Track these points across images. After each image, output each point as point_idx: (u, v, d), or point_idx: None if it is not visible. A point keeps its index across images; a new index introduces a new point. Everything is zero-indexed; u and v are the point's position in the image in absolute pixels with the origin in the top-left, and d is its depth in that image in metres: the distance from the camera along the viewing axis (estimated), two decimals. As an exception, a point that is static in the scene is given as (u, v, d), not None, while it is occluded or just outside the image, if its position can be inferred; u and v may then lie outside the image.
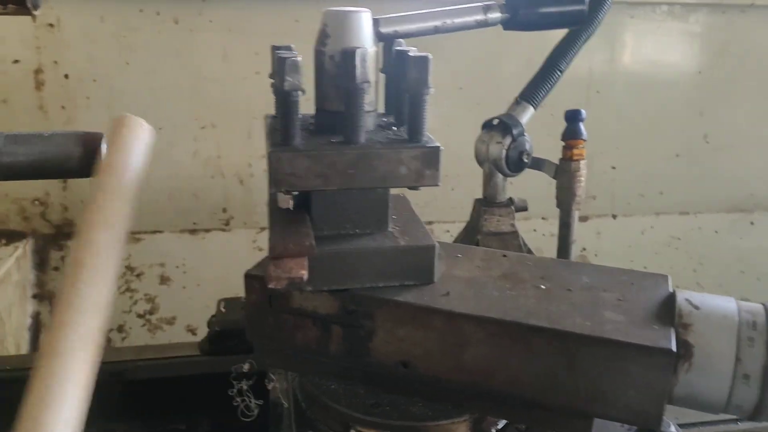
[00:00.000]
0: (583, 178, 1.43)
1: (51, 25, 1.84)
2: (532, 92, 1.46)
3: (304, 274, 0.69)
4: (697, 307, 0.72)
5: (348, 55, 0.71)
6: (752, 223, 2.42)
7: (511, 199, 1.52)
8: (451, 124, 1.93)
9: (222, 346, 1.26)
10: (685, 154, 2.22)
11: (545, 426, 0.79)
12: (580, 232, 1.69)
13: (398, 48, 0.79)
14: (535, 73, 1.49)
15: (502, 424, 0.82)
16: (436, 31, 0.82)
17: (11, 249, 1.78)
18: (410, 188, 0.77)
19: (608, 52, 2.20)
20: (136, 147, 0.84)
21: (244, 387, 1.19)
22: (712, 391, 0.70)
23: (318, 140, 0.75)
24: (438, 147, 0.75)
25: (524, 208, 1.52)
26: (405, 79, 0.75)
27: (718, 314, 0.71)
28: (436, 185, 0.77)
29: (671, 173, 2.22)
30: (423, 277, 0.78)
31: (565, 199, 1.45)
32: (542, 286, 0.79)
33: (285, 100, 0.71)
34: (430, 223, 2.09)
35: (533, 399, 0.73)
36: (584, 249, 2.19)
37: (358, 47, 0.71)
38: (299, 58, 0.71)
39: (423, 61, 0.73)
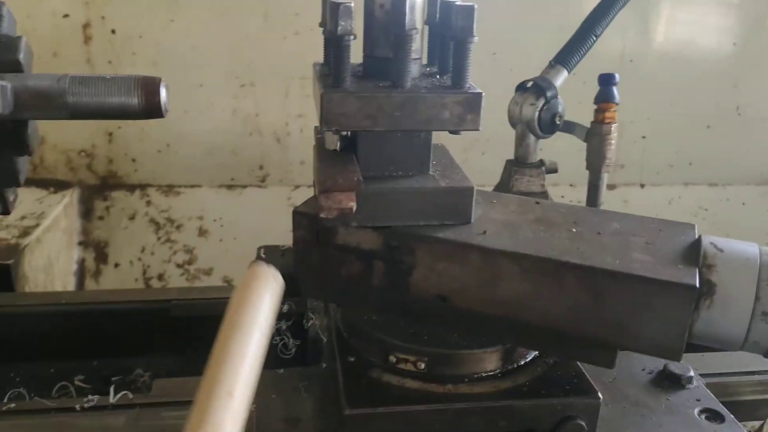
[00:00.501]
0: (613, 141, 1.46)
1: (99, -19, 1.91)
2: (567, 56, 1.49)
3: (353, 206, 0.74)
4: (721, 250, 0.77)
5: (398, 3, 0.76)
6: (781, 196, 2.42)
7: (542, 161, 1.56)
8: (483, 89, 1.96)
9: (262, 289, 1.33)
10: (717, 125, 2.23)
11: (573, 357, 0.84)
12: (607, 200, 1.73)
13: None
14: (570, 38, 1.51)
15: (531, 355, 0.87)
16: (481, -17, 0.86)
17: (59, 197, 1.86)
18: (452, 132, 0.82)
19: (643, 22, 2.20)
20: (264, 302, 0.74)
21: (283, 327, 1.26)
22: (731, 327, 0.75)
23: (367, 84, 0.80)
24: (480, 93, 0.79)
25: (554, 170, 1.55)
26: (450, 28, 0.80)
27: (740, 256, 0.76)
28: (477, 130, 0.81)
29: (701, 144, 2.23)
30: (461, 217, 0.83)
31: (595, 161, 1.48)
32: (574, 230, 0.84)
33: (338, 44, 0.76)
34: (460, 186, 2.12)
35: (562, 331, 0.78)
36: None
37: (408, -5, 0.76)
38: (351, 4, 0.75)
39: (469, 10, 0.77)
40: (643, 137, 2.21)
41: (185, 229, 2.01)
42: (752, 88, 2.24)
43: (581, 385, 0.83)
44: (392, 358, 0.84)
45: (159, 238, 1.98)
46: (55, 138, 1.94)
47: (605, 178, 1.49)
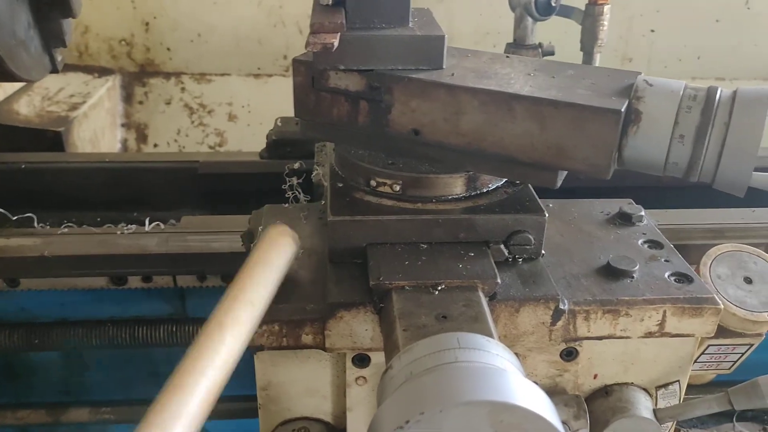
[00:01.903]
0: (606, 23, 1.55)
1: None
2: (566, -60, 1.57)
3: (335, 42, 0.88)
4: (651, 85, 0.89)
5: None
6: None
7: (540, 44, 1.66)
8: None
9: (278, 152, 1.50)
10: (726, 19, 2.26)
11: (523, 178, 0.99)
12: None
13: None
14: None
15: (494, 185, 1.01)
16: None
17: (102, 81, 2.04)
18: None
19: None
20: (275, 260, 0.87)
21: (295, 182, 1.44)
22: (654, 150, 0.88)
23: (351, -58, 0.93)
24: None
25: (551, 53, 1.66)
26: None
27: (666, 89, 0.88)
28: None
29: (710, 38, 2.27)
30: (434, 63, 0.96)
31: (588, 41, 1.58)
32: (531, 73, 0.97)
33: None
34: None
35: (514, 157, 0.92)
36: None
37: None
38: None
39: None
40: (652, 30, 2.25)
41: (216, 114, 2.18)
42: (763, -20, 2.26)
43: (531, 206, 0.98)
44: (372, 182, 1.00)
45: (193, 122, 2.16)
46: (98, 27, 2.10)
47: (597, 59, 1.59)
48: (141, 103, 2.16)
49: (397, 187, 0.99)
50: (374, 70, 0.96)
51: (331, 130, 1.04)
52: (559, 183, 0.94)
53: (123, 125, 2.14)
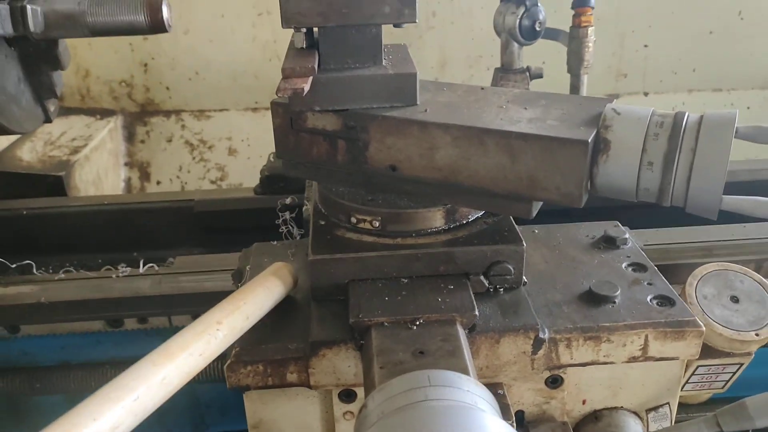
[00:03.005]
0: (591, 45, 1.57)
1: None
2: (547, -35, 1.59)
3: (305, 87, 0.90)
4: (618, 113, 0.90)
5: None
6: (785, 99, 2.43)
7: (528, 67, 1.68)
8: (485, 7, 2.06)
9: (271, 187, 1.53)
10: (720, 31, 2.26)
11: (499, 209, 1.00)
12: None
13: None
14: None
15: (474, 216, 1.02)
16: None
17: (104, 122, 2.09)
18: (395, 26, 0.97)
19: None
20: (269, 290, 0.94)
21: (288, 217, 1.46)
22: (624, 177, 0.88)
23: (319, -12, 0.95)
24: (414, -11, 0.94)
25: (539, 75, 1.67)
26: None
27: (633, 117, 0.89)
28: (414, 22, 0.96)
29: (705, 50, 2.27)
30: (407, 99, 0.98)
31: (574, 63, 1.60)
32: (503, 106, 0.99)
33: (291, -47, 0.91)
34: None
35: (488, 189, 0.93)
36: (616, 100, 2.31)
37: None
38: None
39: None
40: (645, 46, 2.26)
41: (216, 149, 2.22)
42: (754, -9, 2.25)
43: (510, 236, 0.99)
44: (353, 219, 1.02)
45: (194, 158, 2.20)
46: (98, 70, 2.16)
47: (585, 80, 1.60)
48: (143, 142, 2.21)
49: (377, 223, 1.00)
50: (350, 110, 0.98)
51: (312, 169, 1.06)
52: (533, 213, 0.95)
53: (126, 164, 2.19)
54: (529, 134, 0.89)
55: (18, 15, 1.08)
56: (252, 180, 2.27)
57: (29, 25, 1.08)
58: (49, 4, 1.14)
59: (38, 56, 1.18)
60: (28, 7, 1.09)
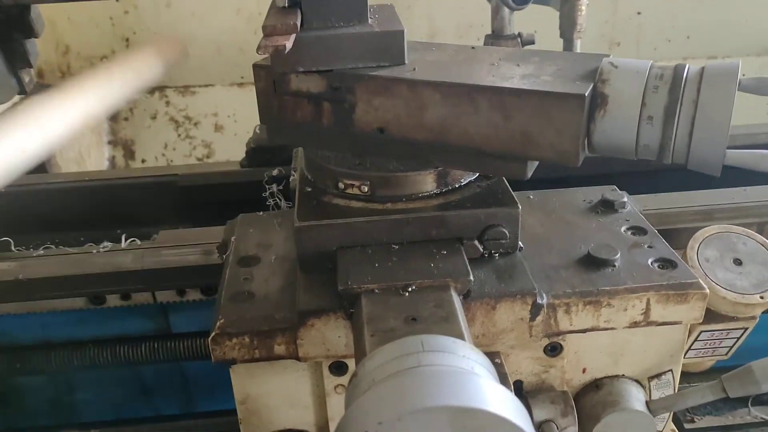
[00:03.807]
0: (584, 8, 1.52)
1: None
2: (538, -74, 1.54)
3: (287, 44, 0.86)
4: (616, 66, 0.86)
5: None
6: (781, 65, 2.39)
7: (519, 33, 1.63)
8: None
9: (258, 160, 1.48)
10: (713, -3, 2.22)
11: (492, 171, 0.96)
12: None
13: None
14: None
15: (466, 180, 0.98)
16: None
17: (86, 100, 2.03)
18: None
19: None
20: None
21: (275, 189, 1.42)
22: (623, 134, 0.84)
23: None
24: (400, -60, 0.89)
25: (531, 42, 1.63)
26: None
27: (632, 70, 0.85)
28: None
29: (698, 17, 2.22)
30: (395, 58, 0.94)
31: (567, 28, 1.55)
32: (495, 63, 0.94)
33: None
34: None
35: (480, 149, 0.89)
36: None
37: None
38: None
39: None
40: (638, 13, 2.21)
41: (202, 125, 2.17)
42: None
43: (504, 198, 0.95)
44: (341, 185, 0.97)
45: (179, 135, 2.15)
46: (79, 46, 2.10)
47: (578, 45, 1.56)
48: (126, 119, 2.16)
49: (366, 188, 0.96)
50: (334, 70, 0.93)
51: (297, 134, 1.02)
52: (529, 174, 0.91)
53: (110, 143, 2.14)
54: (522, 90, 0.85)
55: (-15, -21, 1.03)
56: (239, 156, 2.23)
57: (-2, -10, 1.03)
58: (18, -32, 1.09)
59: (9, 23, 1.13)
60: (-4, -30, 1.04)
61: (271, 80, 0.98)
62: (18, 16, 1.13)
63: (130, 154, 2.16)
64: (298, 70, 0.94)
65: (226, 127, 2.19)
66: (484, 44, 1.64)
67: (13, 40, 1.15)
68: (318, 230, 0.92)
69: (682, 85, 0.81)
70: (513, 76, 0.89)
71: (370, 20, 0.96)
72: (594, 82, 0.84)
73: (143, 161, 2.17)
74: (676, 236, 1.16)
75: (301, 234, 0.92)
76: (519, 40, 1.59)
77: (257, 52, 0.86)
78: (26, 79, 1.23)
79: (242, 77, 2.20)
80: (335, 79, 0.94)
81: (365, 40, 0.93)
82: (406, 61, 0.94)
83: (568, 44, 1.55)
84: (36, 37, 1.18)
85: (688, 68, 0.83)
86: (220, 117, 2.17)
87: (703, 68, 0.82)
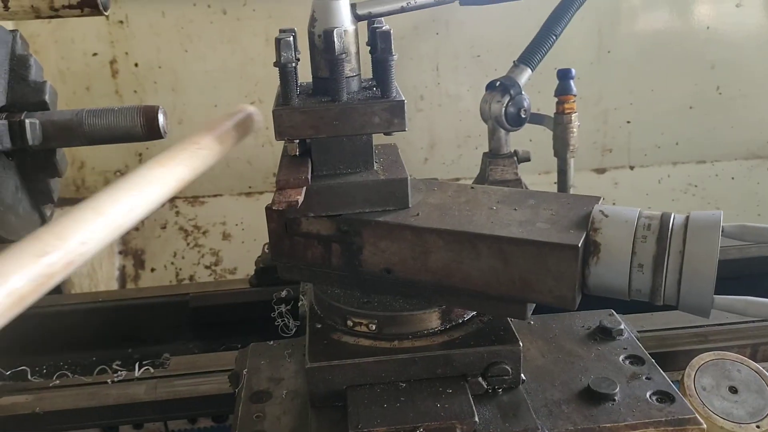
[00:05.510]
0: (575, 130, 1.61)
1: (121, 21, 2.15)
2: (529, 56, 1.65)
3: (299, 199, 0.92)
4: (606, 216, 0.92)
5: (328, 34, 0.94)
6: (769, 169, 2.47)
7: (515, 152, 1.71)
8: (472, 89, 2.12)
9: (266, 279, 1.53)
10: (699, 105, 2.32)
11: (493, 311, 1.01)
12: (597, 183, 1.85)
13: (373, 26, 1.01)
14: (532, 39, 1.67)
15: (468, 316, 1.03)
16: (402, 10, 1.03)
17: (99, 213, 2.10)
18: (385, 134, 0.99)
19: (615, 13, 2.31)
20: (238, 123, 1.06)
21: (283, 310, 1.46)
22: (616, 279, 0.90)
23: (312, 100, 0.98)
24: (402, 101, 0.96)
25: (527, 159, 1.71)
26: (376, 49, 0.98)
27: (621, 219, 0.91)
28: (404, 130, 0.99)
29: (686, 124, 2.32)
30: (400, 203, 1.00)
31: (560, 148, 1.63)
32: (494, 207, 1.00)
33: (282, 70, 0.95)
34: (457, 178, 2.29)
35: (482, 291, 0.94)
36: (603, 198, 2.34)
37: (336, 27, 0.94)
38: (290, 39, 0.94)
39: (387, 35, 0.95)
40: (628, 122, 2.31)
41: (210, 234, 2.23)
42: (729, 68, 2.32)
43: (506, 336, 0.99)
44: (349, 322, 1.02)
45: (188, 244, 2.21)
46: (93, 162, 2.19)
47: (572, 163, 1.64)
48: (137, 229, 2.22)
49: (373, 326, 1.00)
50: (342, 215, 1.00)
51: (307, 272, 1.07)
52: (528, 315, 0.96)
53: (120, 252, 2.20)
54: (520, 239, 0.90)
55: (17, 129, 1.10)
56: (246, 264, 2.28)
57: (28, 139, 1.10)
58: (47, 116, 1.16)
59: (36, 165, 1.20)
60: (27, 121, 1.11)
61: (282, 222, 1.04)
62: (44, 158, 1.20)
63: (140, 263, 2.21)
64: (309, 215, 1.00)
65: (233, 235, 2.25)
66: (482, 162, 1.72)
67: (38, 180, 1.22)
68: (329, 371, 0.96)
69: (669, 236, 0.87)
70: (511, 222, 0.95)
71: (375, 165, 1.03)
72: (587, 231, 0.90)
73: (152, 270, 2.23)
74: (673, 358, 1.20)
75: (313, 374, 0.96)
76: (516, 158, 1.67)
77: (273, 207, 0.93)
78: (48, 213, 1.29)
79: (250, 187, 2.28)
80: (344, 223, 1.00)
81: (371, 188, 0.99)
82: (410, 205, 1.01)
83: (563, 162, 1.63)
84: (59, 177, 1.25)
85: (674, 218, 0.88)
86: (228, 225, 2.24)
87: (687, 218, 0.88)
